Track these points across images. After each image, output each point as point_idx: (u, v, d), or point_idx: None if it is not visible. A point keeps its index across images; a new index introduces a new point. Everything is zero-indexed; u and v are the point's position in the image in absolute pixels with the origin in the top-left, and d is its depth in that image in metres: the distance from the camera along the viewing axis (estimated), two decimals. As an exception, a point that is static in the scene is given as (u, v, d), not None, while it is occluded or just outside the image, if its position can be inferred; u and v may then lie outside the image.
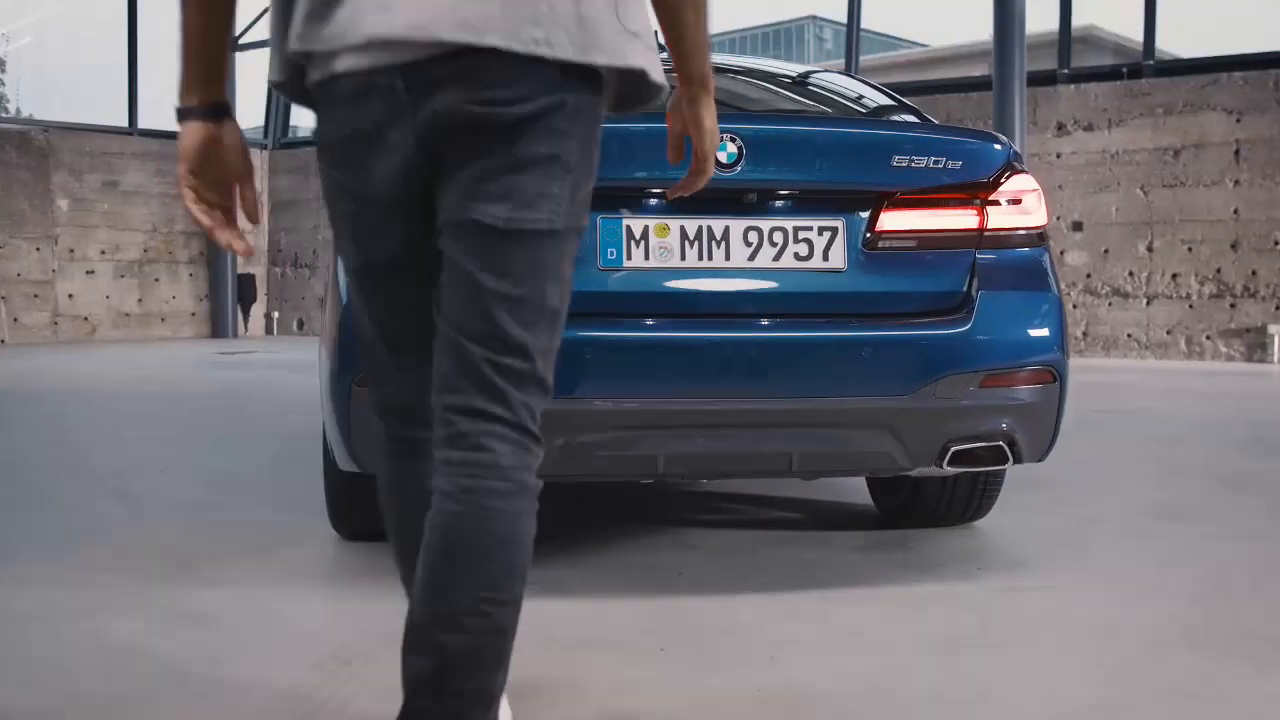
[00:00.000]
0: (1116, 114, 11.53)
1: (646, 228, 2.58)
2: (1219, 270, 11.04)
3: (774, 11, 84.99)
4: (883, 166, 2.65)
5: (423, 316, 1.56)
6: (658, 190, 2.57)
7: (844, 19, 13.59)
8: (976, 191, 2.70)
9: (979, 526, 3.47)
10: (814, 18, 56.12)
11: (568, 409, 2.40)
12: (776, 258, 2.62)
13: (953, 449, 2.61)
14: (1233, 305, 10.99)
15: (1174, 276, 11.24)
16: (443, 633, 1.40)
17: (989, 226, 2.69)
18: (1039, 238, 2.79)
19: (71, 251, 14.83)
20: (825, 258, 2.63)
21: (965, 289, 2.67)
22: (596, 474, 2.79)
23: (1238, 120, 11.00)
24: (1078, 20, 12.51)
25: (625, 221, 2.58)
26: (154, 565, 3.02)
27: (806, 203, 2.66)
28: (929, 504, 3.33)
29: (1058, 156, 11.68)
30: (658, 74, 1.53)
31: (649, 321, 2.53)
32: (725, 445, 2.60)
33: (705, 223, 2.60)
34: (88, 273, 14.98)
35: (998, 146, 2.79)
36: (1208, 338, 11.13)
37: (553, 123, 1.45)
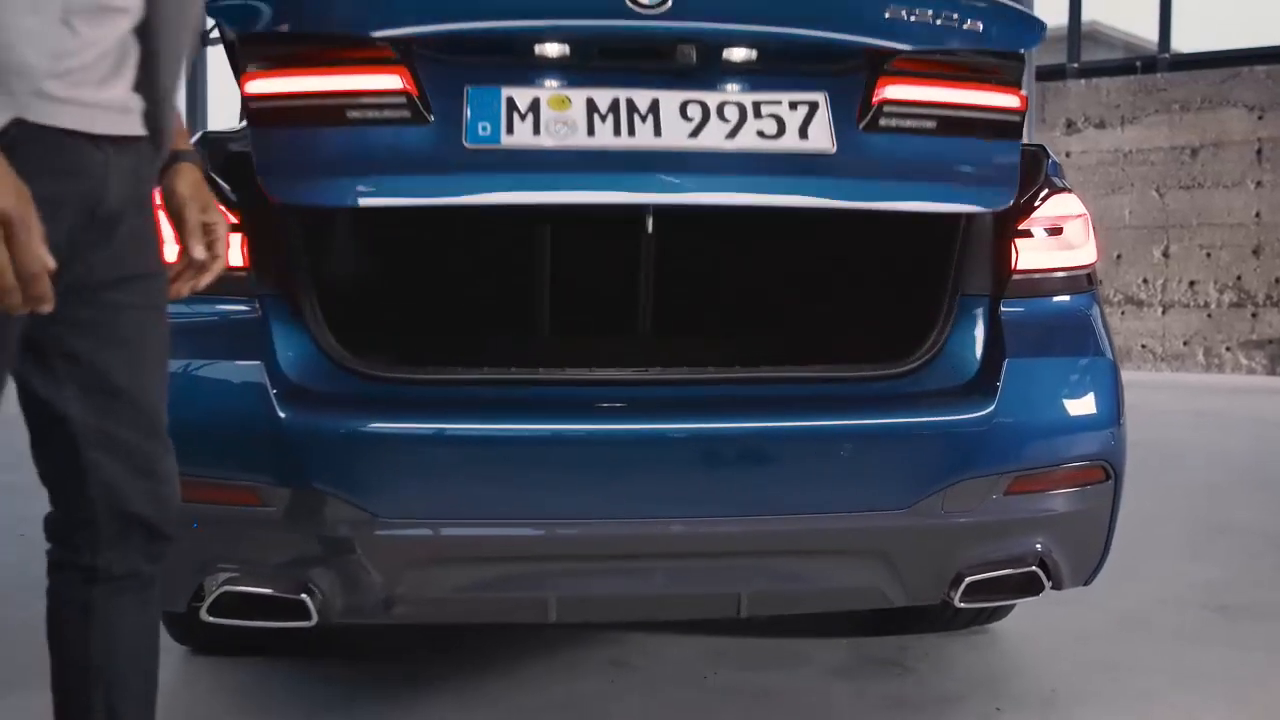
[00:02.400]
0: (1130, 111, 10.90)
1: (537, 100, 1.82)
2: (1239, 277, 10.42)
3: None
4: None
5: None
6: (558, 41, 1.86)
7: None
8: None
9: (995, 630, 2.76)
10: (813, 12, 55.54)
11: (409, 538, 1.69)
12: (730, 135, 1.85)
13: (968, 579, 1.88)
14: (1254, 315, 10.37)
15: (1191, 284, 10.62)
16: None
17: (1019, 267, 1.95)
18: (1087, 280, 2.05)
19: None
20: (803, 135, 1.87)
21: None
22: (459, 620, 2.08)
23: (1260, 117, 10.36)
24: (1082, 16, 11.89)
25: (505, 92, 1.83)
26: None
27: (776, 68, 1.92)
28: (935, 608, 2.61)
29: (1067, 155, 11.03)
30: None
31: (538, 406, 1.77)
32: (641, 584, 1.84)
33: (623, 94, 1.83)
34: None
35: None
36: (1227, 349, 10.50)
37: None
